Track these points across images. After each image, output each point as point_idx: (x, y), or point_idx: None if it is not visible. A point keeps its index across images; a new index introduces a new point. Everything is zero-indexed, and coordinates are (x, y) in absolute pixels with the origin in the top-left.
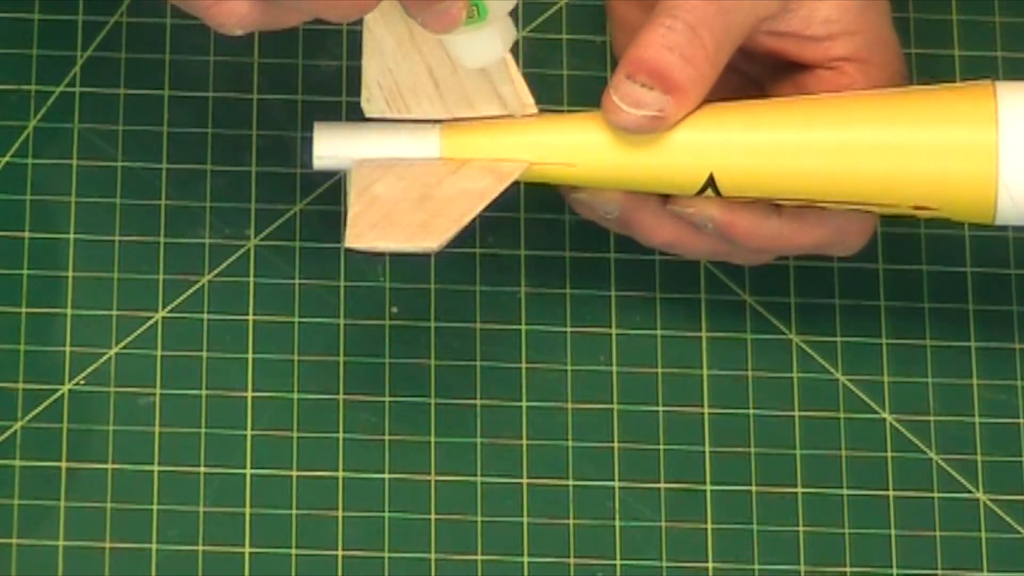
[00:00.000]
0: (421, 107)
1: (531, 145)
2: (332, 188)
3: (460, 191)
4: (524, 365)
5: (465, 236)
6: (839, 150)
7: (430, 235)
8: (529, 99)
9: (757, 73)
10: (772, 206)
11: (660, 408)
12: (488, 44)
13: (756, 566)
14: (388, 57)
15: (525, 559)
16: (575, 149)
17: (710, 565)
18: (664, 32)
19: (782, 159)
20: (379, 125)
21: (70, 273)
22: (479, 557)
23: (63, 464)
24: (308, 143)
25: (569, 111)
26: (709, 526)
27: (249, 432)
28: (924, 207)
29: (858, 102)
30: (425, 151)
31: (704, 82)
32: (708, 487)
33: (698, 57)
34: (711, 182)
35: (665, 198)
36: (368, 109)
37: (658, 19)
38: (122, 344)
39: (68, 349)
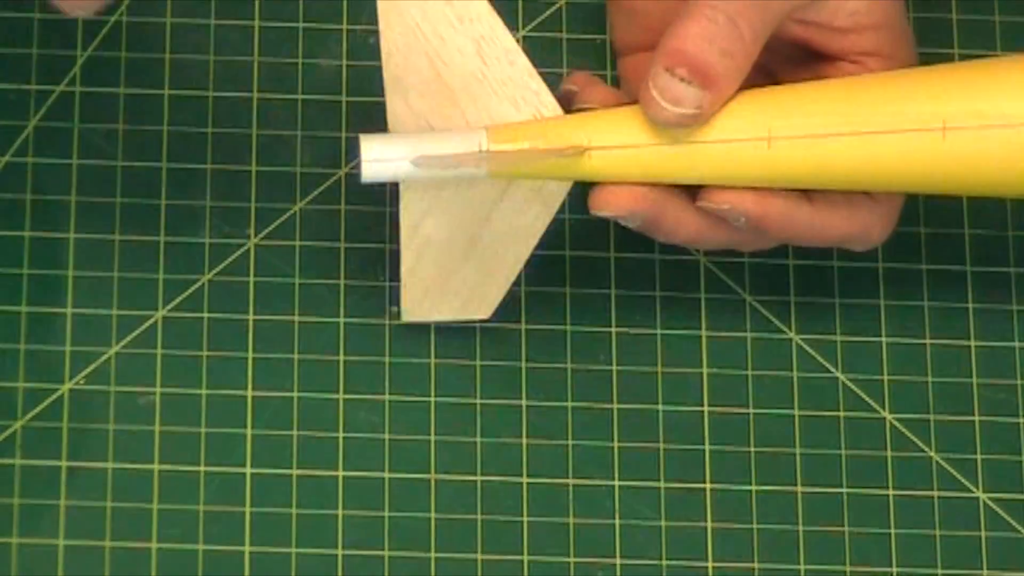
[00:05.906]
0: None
1: (585, 130)
2: (332, 188)
3: (508, 230)
4: (524, 365)
5: None
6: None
7: (481, 304)
8: (559, 110)
9: (771, 62)
10: (804, 197)
11: (660, 408)
12: None
13: (756, 566)
14: (412, 94)
15: (525, 559)
16: (633, 130)
17: (710, 565)
18: (706, 24)
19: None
20: (423, 133)
21: (70, 273)
22: (479, 557)
23: (63, 463)
24: (353, 148)
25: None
26: (709, 526)
27: (249, 432)
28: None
29: (931, 75)
30: (472, 144)
31: (740, 75)
32: (708, 487)
33: (736, 50)
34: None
35: (692, 195)
36: None
37: (698, 9)
38: (122, 344)
39: (68, 349)
